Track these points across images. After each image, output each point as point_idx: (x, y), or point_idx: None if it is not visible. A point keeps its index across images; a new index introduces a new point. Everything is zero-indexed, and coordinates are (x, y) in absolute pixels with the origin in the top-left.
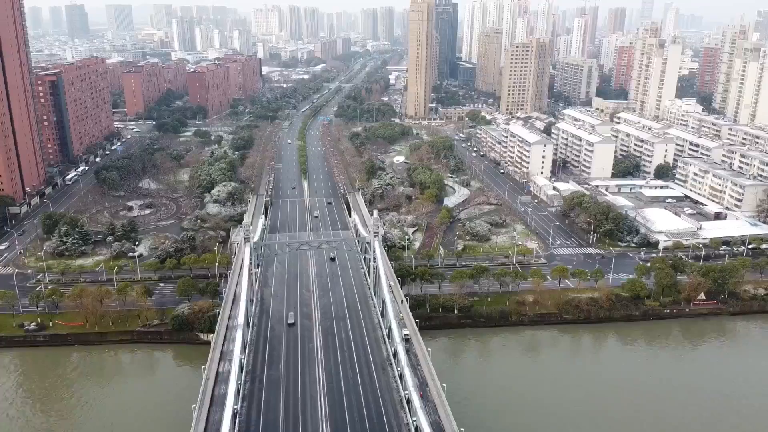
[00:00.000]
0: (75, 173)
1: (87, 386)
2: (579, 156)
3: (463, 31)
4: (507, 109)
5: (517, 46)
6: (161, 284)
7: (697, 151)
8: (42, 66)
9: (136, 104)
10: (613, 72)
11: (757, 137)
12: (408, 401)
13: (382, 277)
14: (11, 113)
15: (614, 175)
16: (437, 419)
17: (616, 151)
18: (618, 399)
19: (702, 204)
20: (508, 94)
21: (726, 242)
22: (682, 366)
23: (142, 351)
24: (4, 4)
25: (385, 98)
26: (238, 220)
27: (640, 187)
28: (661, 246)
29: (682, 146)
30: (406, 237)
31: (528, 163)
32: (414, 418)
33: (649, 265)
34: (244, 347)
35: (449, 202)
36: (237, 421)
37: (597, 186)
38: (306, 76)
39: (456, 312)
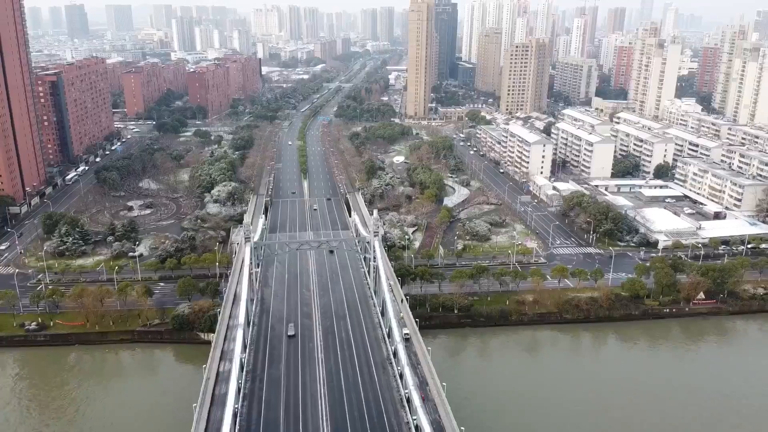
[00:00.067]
0: (75, 173)
1: (88, 386)
2: (578, 156)
3: (462, 31)
4: (507, 109)
5: (517, 46)
6: (161, 284)
7: (696, 151)
8: (42, 66)
9: (136, 104)
10: (613, 72)
11: (757, 137)
12: (408, 400)
13: (382, 276)
14: (11, 113)
15: (614, 175)
16: (437, 418)
17: (615, 151)
18: (618, 398)
19: (701, 204)
20: (508, 94)
21: (725, 242)
22: (681, 365)
23: (143, 350)
24: (4, 4)
25: (385, 98)
26: (238, 220)
27: (640, 186)
28: (660, 246)
29: (682, 146)
30: (406, 237)
31: (528, 162)
32: (414, 417)
33: (648, 264)
34: (244, 346)
35: (449, 201)
36: (238, 420)
37: (596, 186)
38: (306, 76)
39: (456, 311)
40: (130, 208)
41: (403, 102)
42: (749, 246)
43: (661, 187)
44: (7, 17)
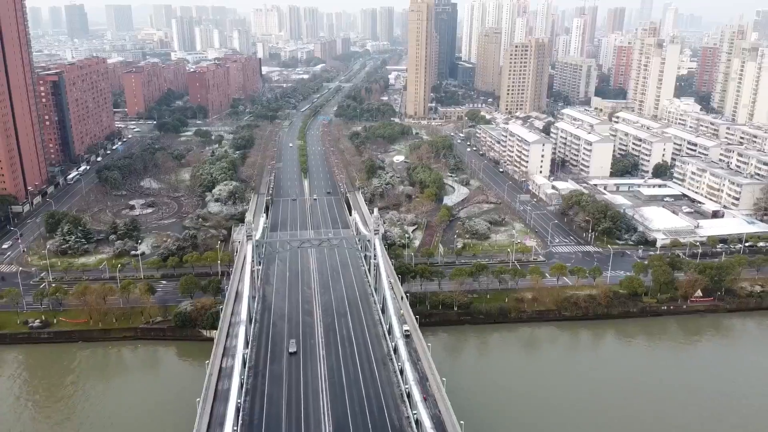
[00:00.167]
0: (77, 172)
1: (91, 382)
2: (578, 155)
3: (462, 30)
4: (506, 109)
5: (516, 46)
6: (164, 282)
7: (695, 150)
8: (43, 66)
9: (136, 104)
10: (612, 72)
11: (755, 136)
12: (408, 395)
13: (382, 274)
14: (13, 113)
15: (613, 174)
16: (437, 413)
17: (614, 151)
18: (616, 394)
19: (699, 202)
20: (508, 94)
21: (723, 240)
22: (679, 362)
23: (146, 347)
24: (6, 4)
25: (385, 98)
26: (240, 219)
27: (639, 185)
28: (658, 244)
29: (680, 145)
30: (406, 235)
31: (527, 162)
32: (414, 412)
33: (646, 262)
34: (246, 343)
35: (449, 200)
36: (240, 415)
37: (595, 185)
38: (306, 76)
39: (455, 309)
40: (132, 207)
41: (403, 102)
42: (747, 244)
43: (659, 186)
44: (9, 17)
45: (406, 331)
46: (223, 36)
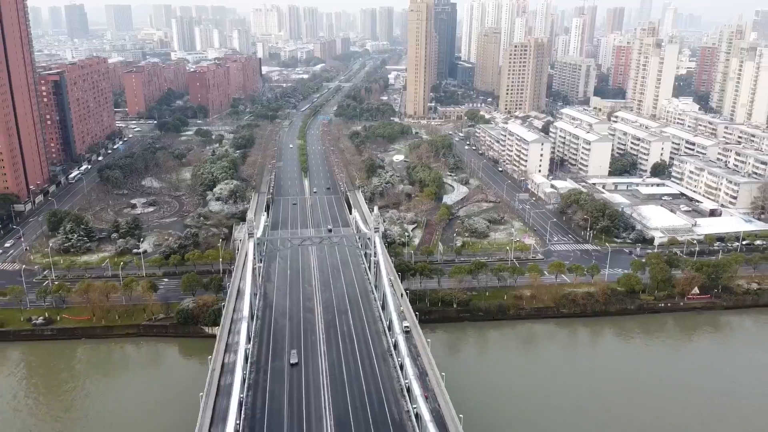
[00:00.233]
0: (78, 172)
1: (94, 378)
2: (576, 154)
3: (461, 30)
4: (505, 109)
5: (516, 46)
6: (166, 280)
7: (693, 150)
8: (44, 66)
9: (137, 104)
10: (611, 71)
11: (753, 135)
12: (408, 390)
13: (382, 271)
14: (15, 112)
15: (611, 173)
16: (437, 407)
17: (613, 150)
18: (613, 390)
19: (697, 201)
20: (507, 94)
21: (720, 238)
22: (676, 358)
23: (148, 344)
24: (8, 5)
25: (385, 98)
26: (241, 218)
27: (637, 184)
28: (656, 242)
29: (679, 144)
30: (406, 234)
31: (526, 161)
32: (414, 406)
33: (644, 260)
34: (248, 339)
35: (448, 199)
36: (243, 409)
37: (594, 184)
38: (305, 76)
39: (455, 306)
40: (134, 206)
41: (403, 101)
42: (744, 242)
43: (657, 185)
44: (11, 17)
45: (406, 327)
46: (223, 36)
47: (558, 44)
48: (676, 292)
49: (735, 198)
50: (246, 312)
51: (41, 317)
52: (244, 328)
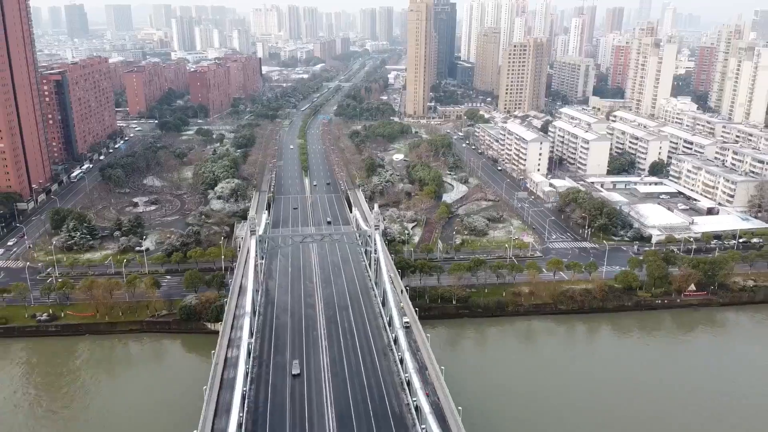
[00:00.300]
0: (80, 171)
1: (98, 373)
2: (575, 153)
3: (461, 30)
4: (505, 108)
5: (515, 46)
6: (168, 277)
7: (690, 149)
8: (45, 66)
9: (138, 103)
10: (610, 71)
11: (750, 135)
12: (408, 383)
13: (382, 268)
14: (18, 111)
15: (609, 172)
16: (436, 400)
17: (611, 149)
18: (610, 384)
19: (695, 200)
20: (506, 93)
21: (717, 236)
22: (672, 353)
23: (151, 340)
24: (11, 5)
25: (384, 97)
26: (242, 216)
27: (635, 183)
28: (653, 240)
29: (677, 144)
30: (406, 232)
31: (525, 160)
32: (414, 399)
33: (641, 258)
34: (251, 333)
35: (448, 198)
36: (246, 402)
37: (592, 182)
38: (305, 76)
39: (454, 302)
40: (135, 205)
41: (403, 101)
42: (741, 240)
43: (655, 183)
44: (14, 17)
45: (405, 323)
46: (223, 36)
47: (557, 44)
48: (673, 289)
49: (732, 196)
50: (248, 308)
51: (45, 314)
52: (246, 323)
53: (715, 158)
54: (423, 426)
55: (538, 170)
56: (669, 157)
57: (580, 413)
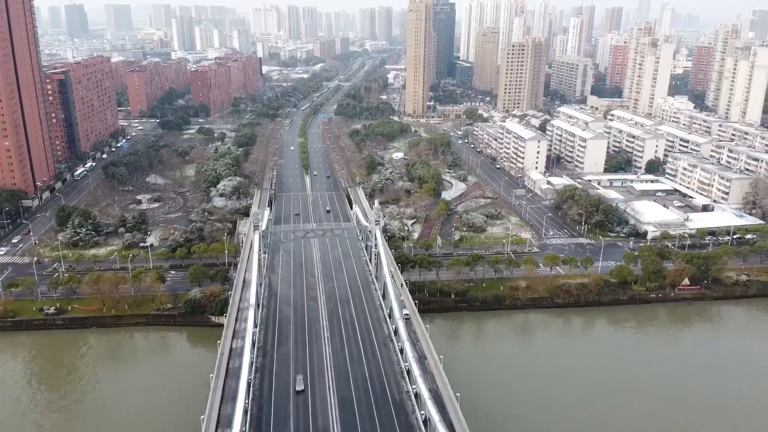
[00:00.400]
0: (83, 169)
1: (105, 365)
2: (573, 152)
3: (460, 30)
4: (503, 107)
5: (514, 46)
6: (172, 272)
7: (687, 147)
8: (46, 65)
9: (139, 102)
10: (608, 71)
11: (746, 133)
12: (408, 372)
13: (383, 262)
14: (23, 110)
15: (607, 170)
16: (435, 387)
17: (608, 147)
18: (605, 376)
19: (690, 197)
20: (505, 93)
21: (712, 233)
22: (666, 345)
23: (157, 333)
24: (15, 4)
25: (384, 97)
26: (244, 213)
27: (632, 181)
28: (649, 236)
29: (673, 142)
30: (406, 228)
31: (523, 158)
32: (414, 386)
33: (636, 253)
34: (255, 325)
35: (447, 195)
36: (251, 390)
37: (590, 180)
38: (305, 75)
39: (453, 296)
40: (139, 202)
41: (402, 100)
42: (735, 236)
43: (652, 181)
44: (18, 17)
45: (405, 315)
46: (223, 36)
47: (556, 44)
48: (667, 283)
49: (727, 194)
50: (252, 300)
51: (53, 307)
52: (251, 314)
53: (711, 156)
54: (422, 412)
55: (536, 168)
56: (665, 155)
57: (573, 400)
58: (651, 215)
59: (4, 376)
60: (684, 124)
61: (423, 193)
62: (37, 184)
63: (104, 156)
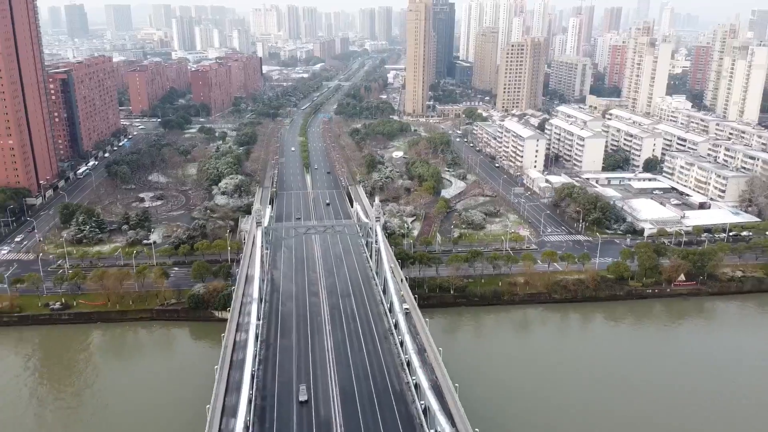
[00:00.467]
0: (86, 167)
1: (110, 359)
2: (571, 150)
3: (460, 30)
4: (503, 107)
5: (513, 45)
6: (176, 268)
7: (684, 146)
8: (48, 65)
9: (140, 102)
10: (607, 70)
11: (743, 132)
12: (408, 363)
13: (383, 258)
14: (26, 109)
15: (604, 169)
16: (434, 378)
17: (606, 146)
18: (601, 368)
19: (687, 195)
20: (504, 92)
21: (708, 230)
22: (661, 339)
23: (161, 328)
24: (19, 4)
25: (384, 96)
26: (246, 211)
27: (629, 179)
28: (646, 233)
29: (670, 141)
30: (406, 225)
31: (522, 157)
32: (414, 377)
33: (633, 249)
34: (258, 318)
35: (446, 193)
36: (255, 381)
37: (588, 179)
38: (305, 75)
39: (452, 292)
40: (142, 200)
41: (402, 100)
42: (731, 233)
43: (649, 179)
44: (22, 17)
45: (405, 309)
46: (223, 36)
47: (555, 44)
48: (663, 279)
49: (723, 191)
50: (256, 294)
51: (58, 303)
52: (254, 308)
53: (708, 155)
54: (422, 402)
55: (535, 167)
56: (663, 154)
57: (569, 392)
58: (648, 213)
59: (11, 369)
60: (682, 123)
61: (423, 191)
62: (41, 182)
63: (106, 155)
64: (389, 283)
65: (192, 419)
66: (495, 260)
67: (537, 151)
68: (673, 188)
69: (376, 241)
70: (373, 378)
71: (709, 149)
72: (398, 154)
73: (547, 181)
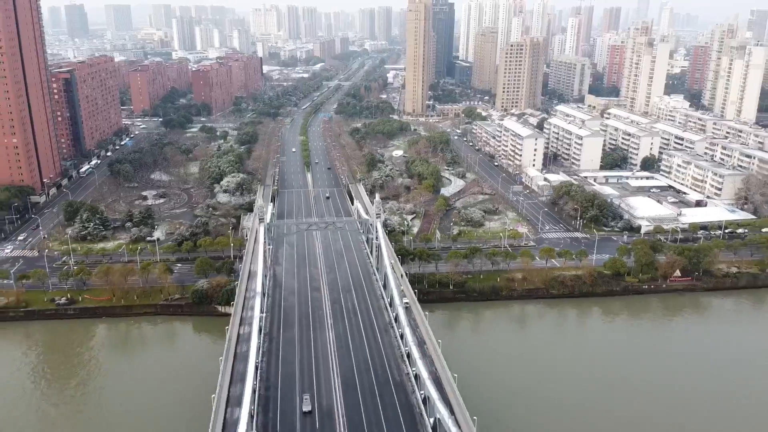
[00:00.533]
0: (89, 166)
1: (115, 353)
2: (569, 149)
3: (459, 30)
4: (502, 106)
5: (512, 45)
6: (179, 265)
7: (681, 144)
8: (51, 65)
9: (142, 101)
10: (606, 70)
11: (740, 131)
12: (408, 355)
13: (384, 253)
14: (30, 108)
15: (602, 167)
16: (434, 370)
17: (604, 145)
18: (597, 362)
19: (684, 193)
20: (503, 92)
21: (704, 227)
22: (657, 333)
23: (165, 322)
24: (23, 5)
25: (384, 96)
26: (248, 209)
27: (627, 178)
28: (642, 230)
29: (668, 140)
30: (406, 223)
31: (521, 156)
32: (414, 369)
33: (630, 246)
34: (261, 311)
35: (446, 192)
36: (258, 372)
37: (585, 177)
38: (306, 75)
39: (451, 287)
40: (144, 198)
41: (402, 99)
42: (726, 231)
43: (647, 178)
44: (26, 17)
45: (405, 303)
46: (223, 35)
47: (554, 43)
48: (659, 275)
49: (720, 189)
50: (259, 289)
51: (64, 298)
52: (257, 302)
53: (705, 153)
54: (422, 392)
55: (533, 165)
56: (660, 153)
57: (565, 385)
58: (645, 210)
59: (18, 363)
60: (679, 123)
61: (422, 190)
62: (44, 180)
63: (108, 154)
64: (389, 278)
65: (197, 409)
66: (494, 257)
67: (536, 149)
68: (670, 186)
69: (376, 238)
70: (374, 369)
71: (706, 148)
72: (398, 153)
73: (545, 179)
